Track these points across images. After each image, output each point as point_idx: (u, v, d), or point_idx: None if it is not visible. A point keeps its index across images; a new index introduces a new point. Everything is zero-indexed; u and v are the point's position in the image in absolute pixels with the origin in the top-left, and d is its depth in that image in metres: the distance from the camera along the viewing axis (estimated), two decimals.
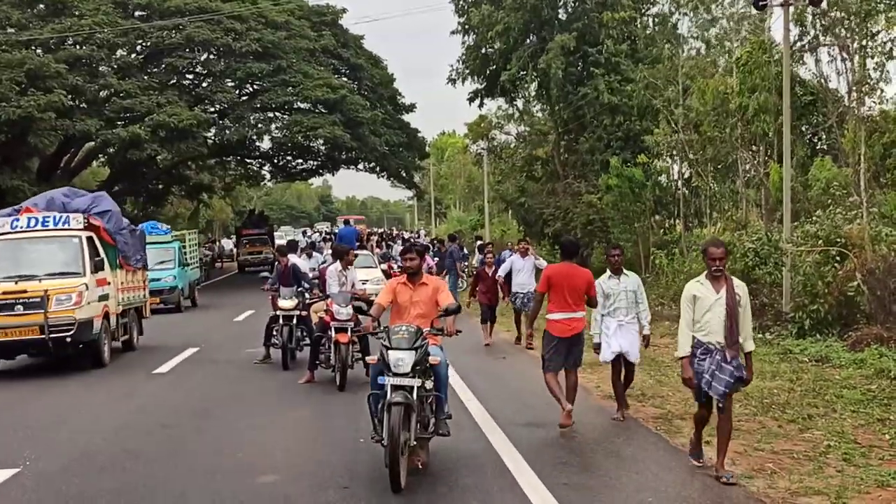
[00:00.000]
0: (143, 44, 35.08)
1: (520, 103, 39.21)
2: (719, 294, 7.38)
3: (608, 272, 9.89)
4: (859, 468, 7.57)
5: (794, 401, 10.35)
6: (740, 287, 7.58)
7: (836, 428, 8.99)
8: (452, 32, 35.38)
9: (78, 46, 32.43)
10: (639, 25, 33.10)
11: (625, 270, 9.87)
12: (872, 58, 19.29)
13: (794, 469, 7.60)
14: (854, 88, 19.82)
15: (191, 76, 37.82)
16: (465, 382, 12.00)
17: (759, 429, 9.15)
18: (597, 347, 9.82)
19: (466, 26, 34.63)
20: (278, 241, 42.36)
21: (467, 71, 35.38)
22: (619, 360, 9.79)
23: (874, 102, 21.02)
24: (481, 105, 37.45)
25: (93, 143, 34.49)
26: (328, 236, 49.72)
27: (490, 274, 17.25)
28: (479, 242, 29.79)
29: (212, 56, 36.35)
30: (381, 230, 66.24)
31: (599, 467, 7.82)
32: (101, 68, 33.51)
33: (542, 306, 9.90)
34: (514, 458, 8.05)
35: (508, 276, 16.61)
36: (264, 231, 47.97)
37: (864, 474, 7.37)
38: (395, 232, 64.49)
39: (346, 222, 36.43)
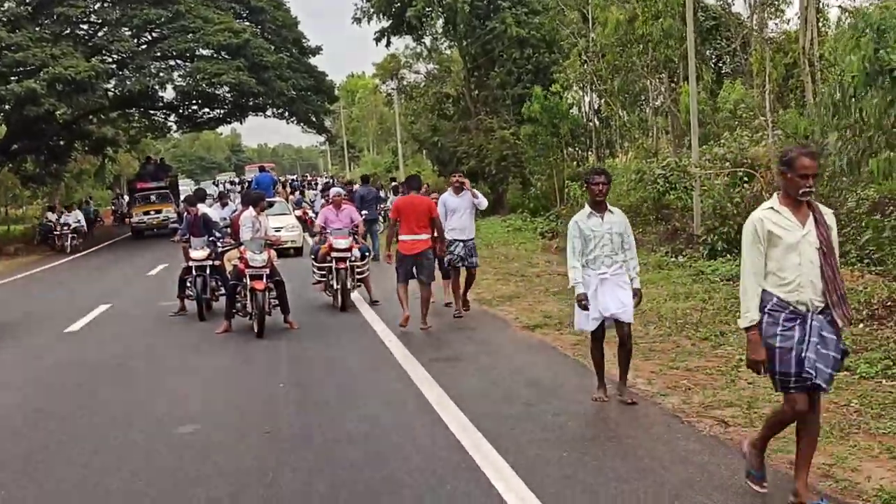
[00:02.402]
0: None
1: (427, 41, 38.90)
2: (806, 228, 4.97)
3: (587, 208, 7.51)
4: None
5: (707, 319, 10.58)
6: (829, 215, 5.12)
7: None
8: None
9: None
10: None
11: (609, 206, 7.53)
12: None
13: (708, 384, 7.78)
14: (756, 11, 20.09)
15: (85, 26, 36.27)
16: (385, 324, 11.99)
17: (674, 348, 9.34)
18: (583, 298, 7.39)
19: None
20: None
21: (372, 9, 34.85)
22: (602, 328, 7.51)
23: (776, 24, 21.42)
24: (388, 44, 37.05)
25: None
26: (237, 185, 48.71)
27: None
28: (394, 184, 29.57)
29: (106, 4, 34.97)
30: (293, 177, 65.30)
31: (519, 396, 7.87)
32: None
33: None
34: (436, 392, 8.07)
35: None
36: (164, 184, 39.45)
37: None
38: (308, 178, 63.66)
39: (262, 169, 35.81)
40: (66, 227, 31.70)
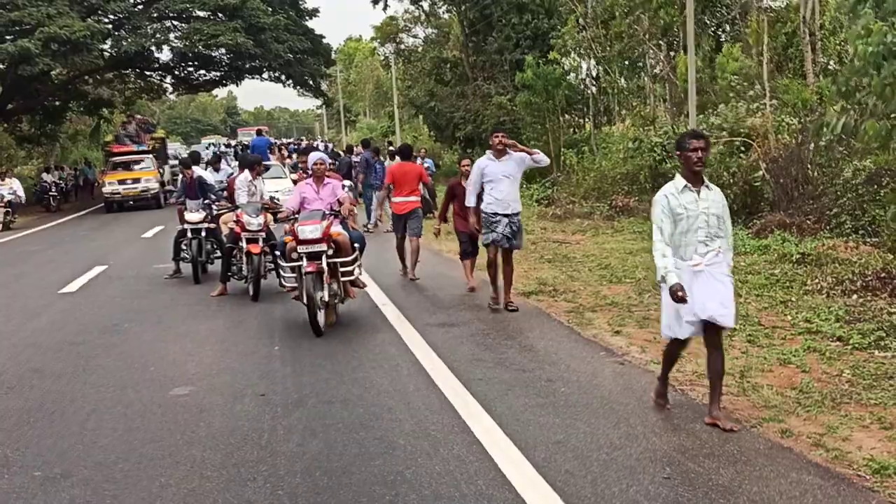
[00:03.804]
0: None
1: (426, 5, 38.67)
2: None
3: (679, 180, 6.03)
4: (763, 348, 7.83)
5: None
6: None
7: (741, 312, 9.23)
8: None
9: None
10: None
11: (706, 181, 6.08)
12: None
13: (701, 353, 7.74)
14: None
15: None
16: (380, 288, 12.00)
17: None
18: (678, 288, 5.73)
19: None
20: (172, 163, 38.20)
21: None
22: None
23: None
24: (385, 7, 36.96)
25: None
26: (229, 149, 48.25)
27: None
28: (390, 149, 29.44)
29: None
30: (289, 141, 65.00)
31: (513, 362, 7.91)
32: None
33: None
34: (430, 357, 8.10)
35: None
36: (146, 148, 33.15)
37: (767, 354, 7.63)
38: (305, 142, 63.41)
39: (259, 132, 35.58)
40: None
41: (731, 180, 15.34)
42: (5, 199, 26.01)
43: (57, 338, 10.05)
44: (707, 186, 6.02)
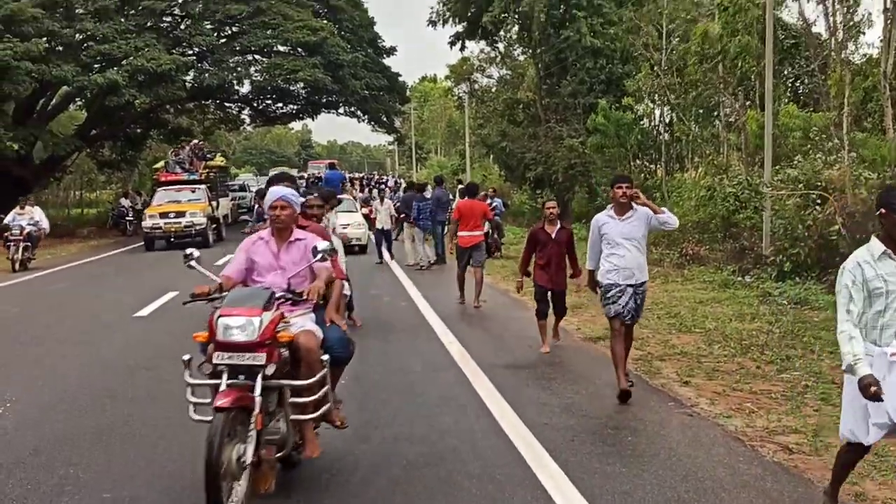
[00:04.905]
0: None
1: (501, 46, 39.00)
2: None
3: (875, 244, 4.94)
4: (836, 407, 7.59)
5: (773, 342, 10.43)
6: None
7: (814, 369, 9.07)
8: None
9: None
10: None
11: None
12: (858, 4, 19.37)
13: (773, 408, 7.67)
14: (840, 29, 19.79)
15: (168, 18, 37.10)
16: (446, 326, 12.03)
17: (738, 369, 9.22)
18: (873, 382, 4.49)
19: None
20: (238, 195, 37.14)
21: (448, 13, 35.07)
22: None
23: (856, 46, 21.11)
24: (462, 48, 37.30)
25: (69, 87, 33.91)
26: (301, 180, 48.87)
27: (554, 235, 10.20)
28: (460, 186, 29.44)
29: None
30: (361, 175, 65.77)
31: (580, 408, 7.85)
32: (77, 11, 32.76)
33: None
34: (495, 398, 8.08)
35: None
36: (197, 177, 29.47)
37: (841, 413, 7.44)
38: (376, 176, 64.11)
39: (332, 166, 36.09)
40: (16, 232, 21.37)
41: (806, 234, 15.10)
42: (25, 231, 21.45)
43: (129, 361, 10.28)
44: None
